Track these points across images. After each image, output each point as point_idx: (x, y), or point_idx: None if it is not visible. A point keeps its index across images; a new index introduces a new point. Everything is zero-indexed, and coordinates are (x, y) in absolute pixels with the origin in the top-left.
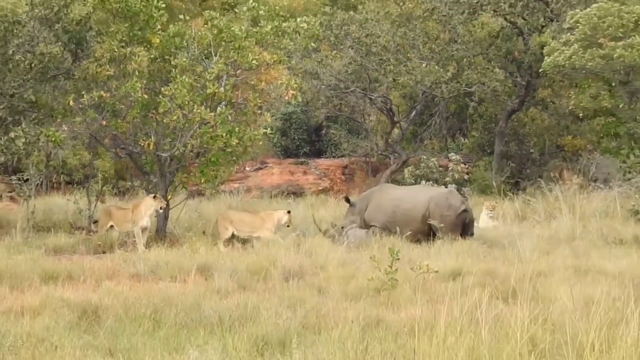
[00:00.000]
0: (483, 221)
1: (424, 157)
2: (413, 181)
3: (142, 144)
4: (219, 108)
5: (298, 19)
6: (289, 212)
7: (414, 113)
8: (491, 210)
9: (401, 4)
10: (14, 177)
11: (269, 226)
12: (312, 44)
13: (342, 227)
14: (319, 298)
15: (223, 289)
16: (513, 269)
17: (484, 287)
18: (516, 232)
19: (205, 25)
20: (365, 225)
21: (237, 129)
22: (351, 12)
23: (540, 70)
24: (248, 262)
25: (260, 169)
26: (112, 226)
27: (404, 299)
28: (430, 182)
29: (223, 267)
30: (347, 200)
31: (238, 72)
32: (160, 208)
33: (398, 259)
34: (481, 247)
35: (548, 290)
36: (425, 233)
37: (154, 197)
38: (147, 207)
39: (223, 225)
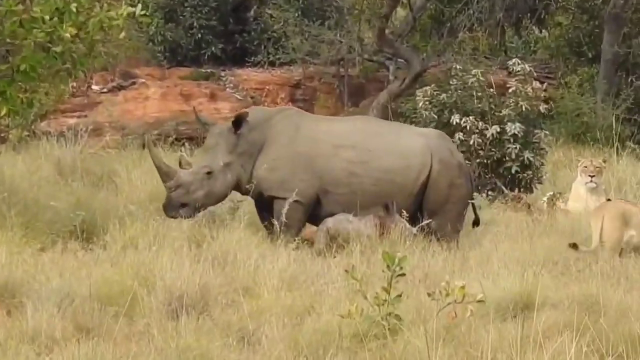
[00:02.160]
0: (577, 195)
1: (457, 66)
2: (435, 115)
3: None
4: None
5: None
6: None
7: None
8: (592, 176)
9: None
10: None
11: None
12: None
13: (209, 173)
14: (241, 354)
15: (44, 333)
16: (636, 295)
17: (576, 332)
18: None
19: None
20: (255, 193)
21: (74, 5)
22: None
23: None
24: (96, 280)
25: (122, 88)
26: None
27: (413, 356)
28: (471, 117)
29: (44, 290)
30: (239, 122)
31: None
32: None
33: (403, 274)
34: (572, 250)
35: None
36: (413, 212)
37: None
38: None
39: None
